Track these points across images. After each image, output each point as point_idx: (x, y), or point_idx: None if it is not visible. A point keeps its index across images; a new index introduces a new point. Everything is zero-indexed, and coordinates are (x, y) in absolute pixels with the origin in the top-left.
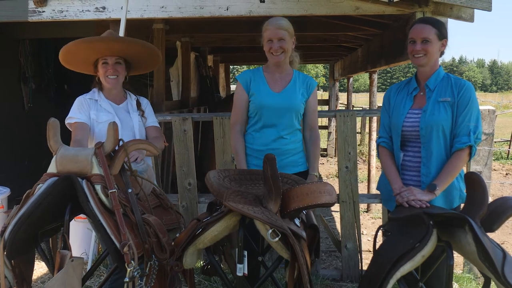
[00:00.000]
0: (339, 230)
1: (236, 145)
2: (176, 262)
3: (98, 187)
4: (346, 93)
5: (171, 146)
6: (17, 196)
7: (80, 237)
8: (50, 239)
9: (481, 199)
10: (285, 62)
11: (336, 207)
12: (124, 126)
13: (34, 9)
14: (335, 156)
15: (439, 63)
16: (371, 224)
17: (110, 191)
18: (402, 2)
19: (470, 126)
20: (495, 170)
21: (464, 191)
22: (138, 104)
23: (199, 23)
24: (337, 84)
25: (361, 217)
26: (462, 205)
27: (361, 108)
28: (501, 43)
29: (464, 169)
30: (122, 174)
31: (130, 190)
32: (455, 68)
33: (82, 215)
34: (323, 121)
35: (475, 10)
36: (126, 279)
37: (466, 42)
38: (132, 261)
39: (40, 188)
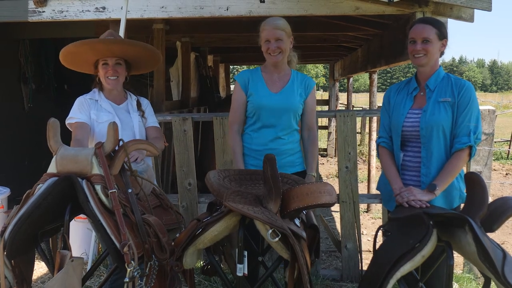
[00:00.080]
0: (339, 230)
1: (234, 145)
2: (176, 262)
3: (98, 187)
4: (346, 93)
5: (171, 146)
6: (17, 196)
7: (80, 237)
8: (50, 239)
9: (481, 199)
10: (283, 62)
11: (336, 207)
12: (124, 126)
13: (34, 9)
14: (335, 156)
15: (439, 63)
16: (371, 224)
17: (110, 191)
18: (402, 2)
19: (470, 126)
20: (495, 170)
21: (464, 191)
22: (139, 105)
23: (199, 23)
24: (337, 84)
25: (361, 217)
26: (462, 205)
27: (361, 108)
28: (501, 43)
29: (464, 169)
30: (122, 174)
31: (130, 190)
32: (455, 68)
33: (82, 215)
34: (323, 121)
35: (475, 10)
36: (126, 279)
37: (466, 42)
38: (132, 261)
39: (40, 188)
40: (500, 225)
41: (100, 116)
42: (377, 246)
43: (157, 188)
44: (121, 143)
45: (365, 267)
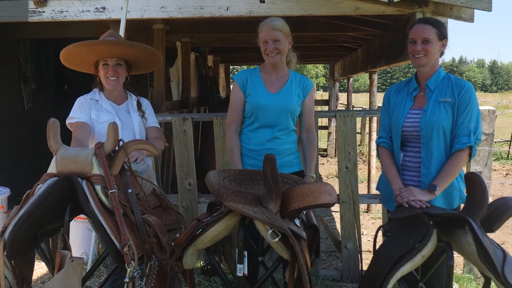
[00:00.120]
0: (339, 231)
1: (232, 145)
2: (176, 262)
3: (98, 188)
4: (346, 93)
5: (171, 147)
6: (17, 196)
7: (80, 237)
8: (50, 239)
9: (481, 200)
10: (282, 63)
11: (336, 208)
12: (125, 126)
13: (34, 9)
14: (335, 156)
15: (439, 63)
16: (371, 224)
17: (110, 191)
18: (402, 2)
19: (470, 127)
20: (495, 170)
21: (464, 191)
22: (139, 105)
23: (199, 23)
24: (337, 84)
25: (361, 217)
26: (462, 205)
27: (361, 108)
28: (501, 43)
29: (464, 169)
30: (122, 174)
31: (130, 190)
32: (455, 68)
33: (82, 215)
34: (323, 121)
35: (475, 10)
36: (126, 280)
37: (466, 42)
38: (132, 262)
39: (40, 188)
40: (500, 225)
41: (101, 116)
42: (377, 246)
43: (157, 188)
44: (121, 143)
45: (365, 267)
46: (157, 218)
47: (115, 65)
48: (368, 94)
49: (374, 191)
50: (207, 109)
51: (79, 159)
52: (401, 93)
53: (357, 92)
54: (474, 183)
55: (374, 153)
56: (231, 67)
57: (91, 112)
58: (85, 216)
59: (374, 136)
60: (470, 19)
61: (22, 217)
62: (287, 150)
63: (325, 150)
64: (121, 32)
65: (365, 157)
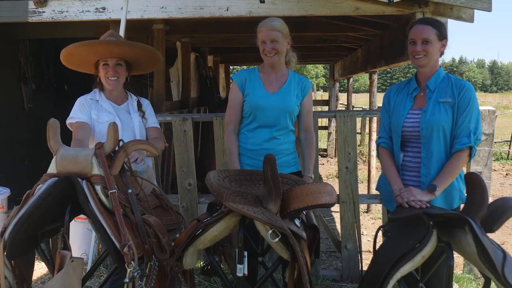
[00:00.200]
0: (339, 231)
1: (230, 144)
2: (176, 262)
3: (98, 188)
4: (346, 94)
5: (171, 147)
6: (17, 197)
7: (80, 237)
8: (50, 239)
9: (481, 200)
10: (280, 63)
11: (336, 208)
12: (125, 126)
13: (34, 9)
14: (335, 156)
15: (439, 63)
16: (371, 225)
17: (110, 191)
18: (402, 3)
19: (470, 127)
20: (495, 170)
21: (464, 191)
22: (139, 105)
23: (199, 23)
24: (337, 84)
25: (361, 217)
26: (462, 205)
27: (361, 109)
28: (501, 43)
29: (464, 170)
30: (122, 174)
31: (130, 191)
32: (455, 69)
33: (82, 216)
34: (323, 122)
35: (475, 10)
36: (126, 280)
37: (466, 42)
38: (132, 262)
39: (40, 188)
40: (500, 226)
41: (101, 116)
42: (377, 247)
43: (157, 188)
44: (121, 143)
45: (365, 268)
46: (157, 218)
47: (115, 65)
48: (368, 94)
49: (374, 191)
50: (207, 109)
51: (79, 159)
52: (401, 93)
53: (357, 92)
54: (474, 183)
55: (374, 153)
56: (231, 67)
57: (92, 112)
58: (85, 216)
59: (374, 136)
60: (470, 19)
61: (22, 217)
62: (285, 150)
63: (325, 150)
64: (121, 32)
65: (365, 157)
